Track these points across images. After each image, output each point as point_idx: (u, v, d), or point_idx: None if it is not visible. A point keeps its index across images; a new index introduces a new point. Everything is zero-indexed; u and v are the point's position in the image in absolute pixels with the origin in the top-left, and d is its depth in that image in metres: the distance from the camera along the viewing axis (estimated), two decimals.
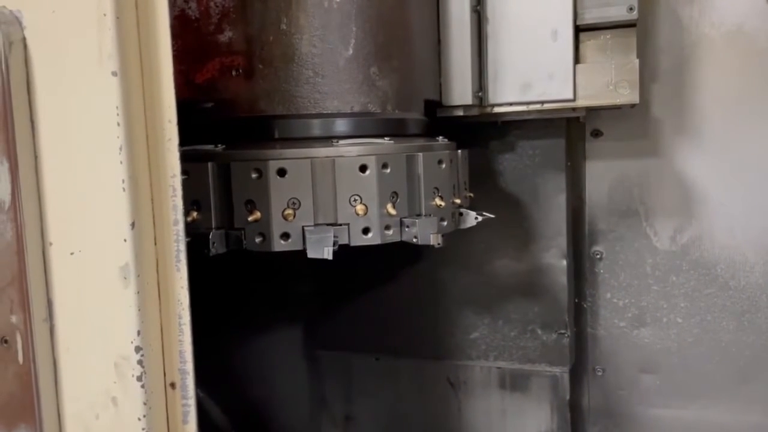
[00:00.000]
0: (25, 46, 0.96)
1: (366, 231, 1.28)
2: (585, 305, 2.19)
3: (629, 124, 2.06)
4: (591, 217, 2.15)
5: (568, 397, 2.06)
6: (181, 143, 1.26)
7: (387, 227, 1.30)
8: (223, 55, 1.31)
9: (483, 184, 2.00)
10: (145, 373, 0.98)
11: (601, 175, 2.12)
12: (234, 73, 1.31)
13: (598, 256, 2.15)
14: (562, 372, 2.06)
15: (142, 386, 0.98)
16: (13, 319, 0.97)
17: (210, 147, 1.30)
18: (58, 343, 1.00)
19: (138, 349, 0.97)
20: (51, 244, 0.99)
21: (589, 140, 2.12)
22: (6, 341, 0.98)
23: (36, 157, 0.98)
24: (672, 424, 2.14)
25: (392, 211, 1.28)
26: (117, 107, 0.93)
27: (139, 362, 0.97)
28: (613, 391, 2.20)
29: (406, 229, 1.31)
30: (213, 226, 1.25)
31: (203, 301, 2.29)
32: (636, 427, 2.19)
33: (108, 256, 0.96)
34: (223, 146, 1.30)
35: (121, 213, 0.95)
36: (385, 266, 2.17)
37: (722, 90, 1.98)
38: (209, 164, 1.25)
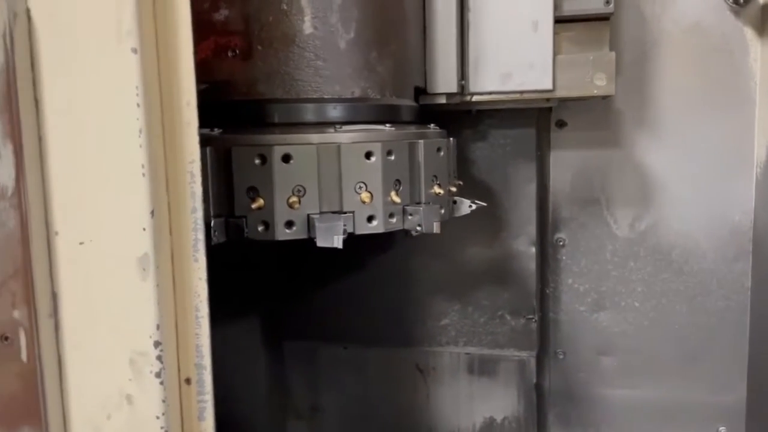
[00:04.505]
0: (29, 18, 0.88)
1: (370, 219, 1.26)
2: (548, 291, 2.24)
3: (592, 115, 2.12)
4: (554, 205, 2.20)
5: (534, 381, 2.11)
6: None
7: (391, 215, 1.28)
8: (218, 34, 1.25)
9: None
10: (164, 369, 0.93)
11: (565, 164, 2.17)
12: (230, 53, 1.25)
13: (561, 243, 2.21)
14: (529, 356, 2.11)
15: (161, 383, 0.93)
16: (16, 314, 0.90)
17: (206, 131, 1.23)
18: (65, 339, 0.93)
19: (157, 344, 0.92)
20: (57, 233, 0.92)
21: (554, 130, 2.17)
22: (7, 338, 0.90)
23: (40, 140, 0.90)
24: (628, 404, 2.23)
25: (396, 199, 1.27)
26: (137, 87, 0.87)
27: (158, 358, 0.92)
28: (573, 374, 2.27)
29: (409, 218, 1.30)
30: (212, 214, 1.19)
31: None
32: (594, 407, 2.27)
33: (125, 246, 0.90)
34: (220, 130, 1.24)
35: (141, 200, 0.89)
36: (353, 253, 2.14)
37: (680, 84, 2.06)
38: (207, 149, 1.19)
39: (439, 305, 2.14)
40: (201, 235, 0.95)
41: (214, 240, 1.17)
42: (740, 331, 2.11)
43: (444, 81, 1.67)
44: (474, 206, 1.46)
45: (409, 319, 2.17)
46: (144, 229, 0.89)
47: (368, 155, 1.24)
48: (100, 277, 0.91)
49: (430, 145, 1.36)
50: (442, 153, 1.39)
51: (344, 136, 1.25)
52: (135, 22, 0.87)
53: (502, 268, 2.08)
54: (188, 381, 0.98)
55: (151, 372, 0.92)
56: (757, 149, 2.02)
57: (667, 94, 2.07)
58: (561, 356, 2.26)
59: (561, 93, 1.76)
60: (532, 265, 2.07)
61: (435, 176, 1.37)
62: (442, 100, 1.71)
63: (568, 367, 2.27)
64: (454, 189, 1.45)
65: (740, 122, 2.02)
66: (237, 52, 1.25)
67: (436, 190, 1.36)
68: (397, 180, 1.29)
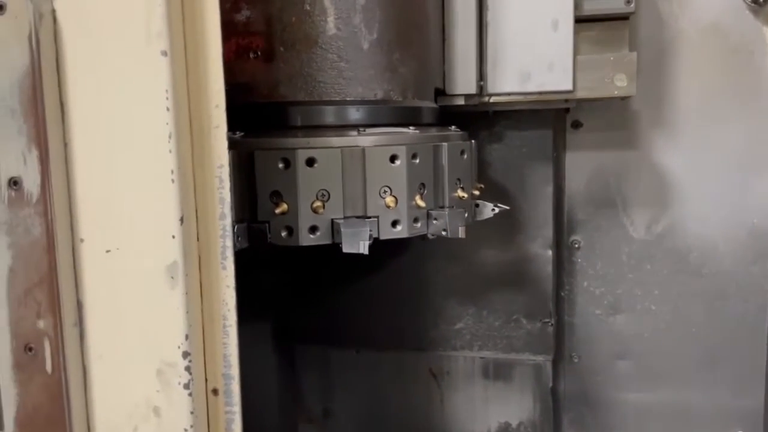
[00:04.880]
0: (55, 20, 0.85)
1: (395, 224, 1.24)
2: (563, 294, 2.22)
3: (608, 115, 2.09)
4: (570, 207, 2.17)
5: (551, 385, 2.09)
6: None
7: (415, 220, 1.26)
8: (240, 35, 1.22)
9: None
10: (192, 381, 0.90)
11: (581, 165, 2.14)
12: (252, 55, 1.22)
13: (577, 246, 2.18)
14: (545, 360, 2.08)
15: (190, 394, 0.90)
16: (41, 324, 0.87)
17: (228, 134, 1.20)
18: (90, 349, 0.90)
19: (186, 354, 0.89)
20: (82, 240, 0.89)
21: (570, 131, 2.14)
22: (31, 349, 0.88)
23: (66, 145, 0.87)
24: (644, 408, 2.20)
25: (421, 203, 1.24)
26: (167, 90, 0.85)
27: (187, 368, 0.89)
28: (588, 378, 2.24)
29: (434, 222, 1.27)
30: (234, 219, 1.16)
31: None
32: (609, 411, 2.24)
33: (153, 253, 0.87)
34: (242, 134, 1.21)
35: (170, 207, 0.86)
36: (365, 255, 2.12)
37: (698, 85, 2.03)
38: (230, 153, 1.16)
39: (454, 309, 2.11)
40: (229, 242, 0.93)
41: (237, 246, 1.14)
42: (758, 335, 2.08)
43: (463, 82, 1.64)
44: (497, 209, 1.44)
45: (423, 322, 2.14)
46: (173, 237, 0.87)
47: (393, 159, 1.21)
48: (126, 285, 0.89)
49: (454, 148, 1.33)
50: (465, 156, 1.37)
51: (368, 139, 1.22)
52: (165, 23, 0.84)
53: (517, 271, 2.06)
54: (215, 392, 0.95)
55: (179, 383, 0.89)
56: None
57: (685, 94, 2.04)
58: (576, 360, 2.23)
59: (581, 94, 1.74)
60: (548, 268, 2.05)
61: (458, 179, 1.35)
62: (461, 102, 1.68)
63: (584, 370, 2.24)
64: (476, 192, 1.42)
65: (758, 123, 2.00)
66: (259, 53, 1.22)
67: (460, 193, 1.34)
68: (422, 184, 1.26)
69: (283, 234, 1.18)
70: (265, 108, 1.25)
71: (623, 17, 1.77)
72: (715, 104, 2.02)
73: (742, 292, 2.07)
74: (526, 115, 1.95)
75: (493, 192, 2.00)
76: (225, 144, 0.91)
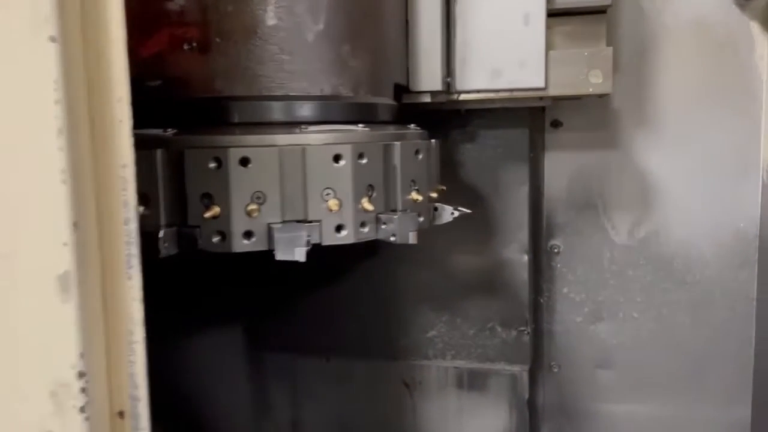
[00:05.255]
0: None
1: (339, 228, 1.14)
2: (542, 300, 2.13)
3: (589, 114, 2.01)
4: (549, 210, 2.09)
5: (527, 396, 2.00)
6: None
7: (362, 224, 1.17)
8: (173, 25, 1.13)
9: (443, 176, 1.89)
10: (90, 403, 0.81)
11: (560, 166, 2.06)
12: (186, 47, 1.13)
13: (556, 251, 2.10)
14: (521, 370, 1.99)
15: (87, 418, 0.81)
16: None
17: (158, 131, 1.12)
18: None
19: (81, 374, 0.80)
20: None
21: (549, 131, 2.06)
22: None
23: None
24: (626, 419, 2.12)
25: (369, 207, 1.15)
26: (55, 81, 0.75)
27: (83, 390, 0.80)
28: (568, 388, 2.16)
29: (383, 227, 1.18)
30: (163, 224, 1.08)
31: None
32: (590, 423, 2.16)
33: (43, 263, 0.78)
34: (174, 131, 1.13)
35: (60, 211, 0.77)
36: (335, 261, 2.03)
37: (682, 82, 1.95)
38: (158, 151, 1.07)
39: (426, 316, 2.02)
40: (135, 250, 0.83)
41: (164, 252, 1.05)
42: (745, 343, 2.00)
43: (427, 78, 1.55)
44: (457, 213, 1.35)
45: (395, 330, 2.05)
46: (65, 244, 0.78)
47: (336, 158, 1.12)
48: (15, 297, 0.80)
49: (408, 148, 1.24)
50: (421, 156, 1.28)
51: (310, 137, 1.13)
52: (54, 5, 0.75)
53: (492, 277, 1.97)
54: (121, 414, 0.86)
55: (74, 406, 0.80)
56: (764, 151, 1.91)
57: (668, 92, 1.95)
58: (555, 369, 2.15)
59: (554, 91, 1.65)
60: (524, 275, 1.96)
61: (413, 181, 1.25)
62: (427, 99, 1.59)
63: (563, 380, 2.16)
64: (434, 195, 1.33)
65: (745, 123, 1.91)
66: (194, 45, 1.13)
67: (414, 196, 1.25)
68: (370, 186, 1.17)
69: (215, 239, 1.09)
70: (200, 103, 1.16)
71: (600, 11, 1.68)
72: (699, 103, 1.94)
73: (728, 299, 1.99)
74: (500, 114, 1.86)
75: (466, 194, 1.92)
76: (130, 141, 0.82)
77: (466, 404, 2.04)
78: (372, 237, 1.18)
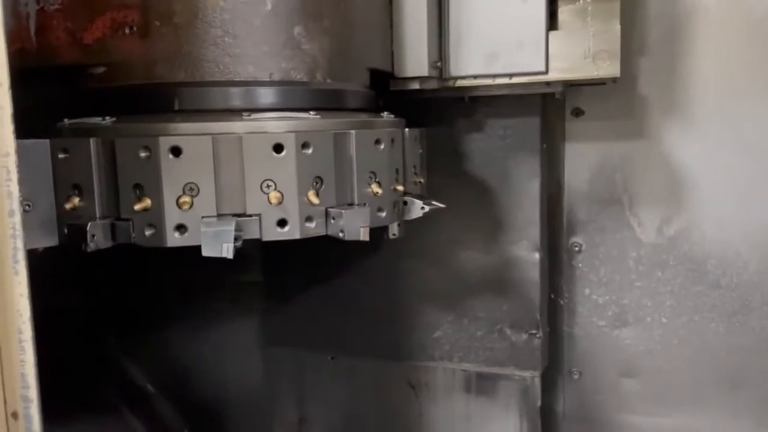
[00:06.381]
0: None
1: (282, 223, 1.07)
2: (561, 302, 1.99)
3: (613, 102, 1.85)
4: (570, 206, 1.94)
5: (539, 404, 1.87)
6: (69, 115, 1.03)
7: (308, 219, 1.08)
8: (114, 9, 1.09)
9: (447, 168, 1.79)
10: None
11: (582, 158, 1.91)
12: (127, 31, 1.08)
13: (577, 249, 1.95)
14: (532, 376, 1.86)
15: None
16: None
17: (97, 120, 1.08)
18: None
19: None
20: None
21: (569, 120, 1.91)
22: None
23: None
24: None
25: (314, 200, 1.07)
26: None
27: None
28: (590, 396, 2.02)
29: (332, 221, 1.10)
30: (97, 216, 1.04)
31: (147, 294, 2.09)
32: None
33: None
34: (113, 119, 1.08)
35: None
36: (341, 257, 1.97)
37: (717, 65, 1.77)
38: (92, 140, 1.03)
39: (432, 315, 1.93)
40: (20, 243, 0.79)
41: (92, 246, 1.01)
42: None
43: (413, 63, 1.45)
44: (427, 208, 1.24)
45: (399, 329, 1.97)
46: None
47: (278, 148, 1.05)
48: None
49: (366, 137, 1.15)
50: (382, 146, 1.18)
51: (248, 125, 1.06)
52: None
53: (500, 277, 1.85)
54: (15, 415, 0.82)
55: None
56: None
57: (702, 76, 1.79)
58: (576, 376, 2.01)
59: (556, 75, 1.51)
60: (535, 274, 1.82)
61: (373, 173, 1.16)
62: (416, 86, 1.49)
63: (585, 388, 2.01)
64: (401, 188, 1.23)
65: None
66: (134, 29, 1.08)
67: (374, 189, 1.15)
68: (318, 177, 1.09)
69: (148, 233, 1.03)
70: (140, 90, 1.11)
71: None
72: (736, 87, 1.77)
73: (767, 304, 1.78)
74: (509, 101, 1.74)
75: (472, 187, 1.81)
76: (11, 128, 0.77)
77: (474, 410, 1.94)
78: (320, 233, 1.10)
